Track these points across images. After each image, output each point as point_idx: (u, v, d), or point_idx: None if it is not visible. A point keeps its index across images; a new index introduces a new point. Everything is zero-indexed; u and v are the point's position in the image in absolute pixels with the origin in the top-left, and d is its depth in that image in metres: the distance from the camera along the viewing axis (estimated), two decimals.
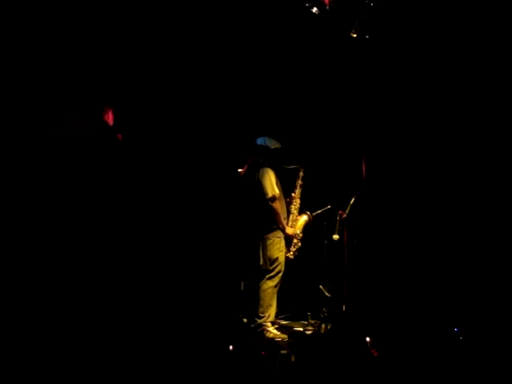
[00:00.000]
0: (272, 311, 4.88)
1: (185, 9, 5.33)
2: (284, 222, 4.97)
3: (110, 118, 5.05)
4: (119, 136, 5.01)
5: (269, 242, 4.86)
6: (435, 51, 5.25)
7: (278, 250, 4.88)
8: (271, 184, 4.85)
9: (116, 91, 5.26)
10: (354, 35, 5.23)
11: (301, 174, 5.23)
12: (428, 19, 5.31)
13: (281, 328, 5.03)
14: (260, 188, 4.86)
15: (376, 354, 4.00)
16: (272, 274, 4.84)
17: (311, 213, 5.26)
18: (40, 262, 4.51)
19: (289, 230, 5.00)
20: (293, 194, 5.21)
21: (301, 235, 5.14)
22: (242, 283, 5.30)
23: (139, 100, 5.41)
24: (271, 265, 4.84)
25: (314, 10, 5.41)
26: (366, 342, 4.23)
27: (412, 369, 3.72)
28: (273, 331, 4.83)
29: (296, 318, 5.42)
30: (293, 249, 5.07)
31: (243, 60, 5.62)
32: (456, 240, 5.12)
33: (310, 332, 4.99)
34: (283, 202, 5.05)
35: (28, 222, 4.59)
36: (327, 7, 5.44)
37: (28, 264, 4.48)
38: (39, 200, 4.66)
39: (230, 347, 4.25)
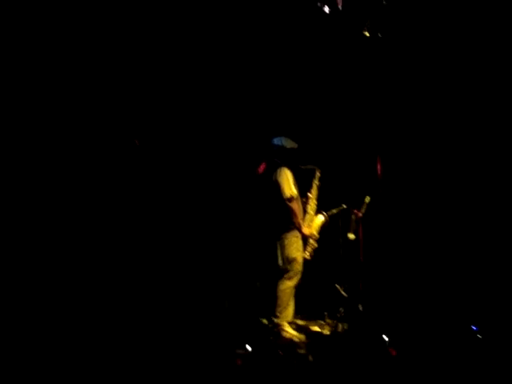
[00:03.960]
0: (289, 311, 4.89)
1: (198, 8, 5.34)
2: (301, 223, 4.99)
3: None
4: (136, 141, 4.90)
5: (286, 241, 4.87)
6: (449, 50, 5.23)
7: (295, 249, 4.89)
8: (289, 184, 4.87)
9: (131, 92, 5.23)
10: (367, 34, 5.23)
11: (317, 174, 5.22)
12: (441, 17, 5.29)
13: (297, 328, 5.03)
14: (277, 188, 4.86)
15: (394, 353, 4.00)
16: (290, 274, 4.84)
17: (327, 212, 5.26)
18: (44, 260, 4.52)
19: (306, 231, 5.00)
20: (309, 195, 5.20)
21: (317, 236, 5.14)
22: (258, 283, 5.31)
23: (156, 101, 5.42)
24: (290, 265, 4.84)
25: (326, 9, 5.41)
26: (384, 341, 4.24)
27: (430, 368, 3.72)
28: (290, 331, 4.84)
29: (313, 318, 5.41)
30: (309, 249, 5.07)
31: (259, 61, 5.62)
32: (473, 238, 5.10)
33: (327, 332, 4.99)
34: (300, 202, 5.06)
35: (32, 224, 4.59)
36: (339, 6, 5.44)
37: (33, 262, 4.49)
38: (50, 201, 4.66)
39: (248, 347, 4.29)
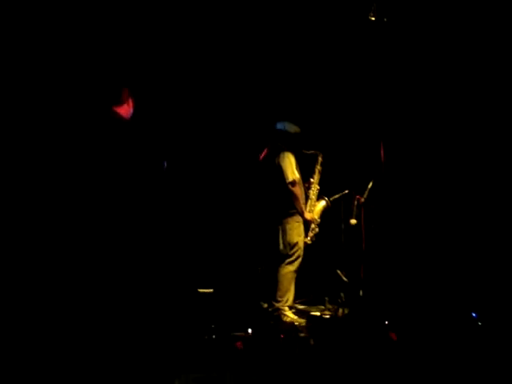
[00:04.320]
0: (290, 296, 4.91)
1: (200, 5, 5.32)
2: (303, 207, 4.98)
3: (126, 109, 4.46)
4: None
5: (288, 226, 4.88)
6: (456, 35, 5.19)
7: (297, 234, 4.90)
8: (292, 168, 4.86)
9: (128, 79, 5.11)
10: (373, 18, 5.18)
11: (319, 159, 5.22)
12: (448, 2, 5.25)
13: (298, 312, 5.05)
14: (280, 172, 4.86)
15: (394, 338, 4.02)
16: (292, 258, 4.86)
17: (329, 198, 5.25)
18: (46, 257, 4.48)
19: (307, 215, 5.00)
20: (311, 179, 5.20)
21: (319, 220, 5.14)
22: (259, 268, 5.32)
23: (157, 87, 5.36)
24: (291, 249, 4.86)
25: None
26: (384, 326, 4.25)
27: (430, 353, 3.73)
28: (290, 315, 4.87)
29: (313, 303, 5.43)
30: (310, 234, 5.08)
31: (262, 44, 5.58)
32: (475, 224, 5.10)
33: (327, 317, 5.00)
34: (302, 186, 5.05)
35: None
36: None
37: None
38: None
39: (249, 331, 4.30)
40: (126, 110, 4.41)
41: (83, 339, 3.79)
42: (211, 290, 5.23)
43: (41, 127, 4.61)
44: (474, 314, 4.44)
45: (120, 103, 4.38)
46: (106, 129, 4.29)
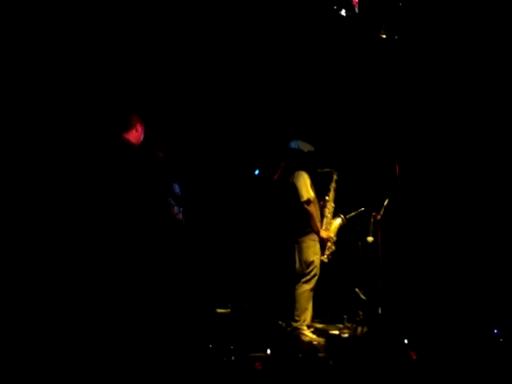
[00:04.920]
0: (308, 314, 4.89)
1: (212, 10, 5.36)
2: (318, 225, 4.98)
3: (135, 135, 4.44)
4: (159, 153, 4.45)
5: (304, 245, 4.88)
6: (466, 52, 5.20)
7: (313, 253, 4.89)
8: (306, 187, 4.87)
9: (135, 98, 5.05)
10: (384, 36, 5.22)
11: (334, 177, 5.22)
12: (457, 18, 5.26)
13: (316, 331, 5.02)
14: (295, 191, 4.87)
15: (414, 357, 3.97)
16: (308, 277, 4.85)
17: (345, 215, 5.24)
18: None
19: (323, 234, 4.99)
20: (326, 198, 5.19)
21: (335, 238, 5.12)
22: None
23: (167, 111, 5.40)
24: (307, 268, 4.85)
25: (343, 12, 5.41)
26: (404, 344, 4.21)
27: (451, 371, 3.68)
28: (309, 334, 4.84)
29: (331, 322, 5.40)
30: (327, 252, 5.05)
31: (275, 64, 5.64)
32: (495, 240, 5.05)
33: (346, 335, 4.97)
34: (317, 205, 5.05)
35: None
36: (355, 9, 5.44)
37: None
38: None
39: (268, 351, 4.29)
40: (135, 136, 4.43)
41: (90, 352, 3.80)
42: (229, 311, 5.24)
43: (51, 153, 4.65)
44: (495, 331, 4.39)
45: (129, 129, 4.41)
46: (115, 155, 4.32)
